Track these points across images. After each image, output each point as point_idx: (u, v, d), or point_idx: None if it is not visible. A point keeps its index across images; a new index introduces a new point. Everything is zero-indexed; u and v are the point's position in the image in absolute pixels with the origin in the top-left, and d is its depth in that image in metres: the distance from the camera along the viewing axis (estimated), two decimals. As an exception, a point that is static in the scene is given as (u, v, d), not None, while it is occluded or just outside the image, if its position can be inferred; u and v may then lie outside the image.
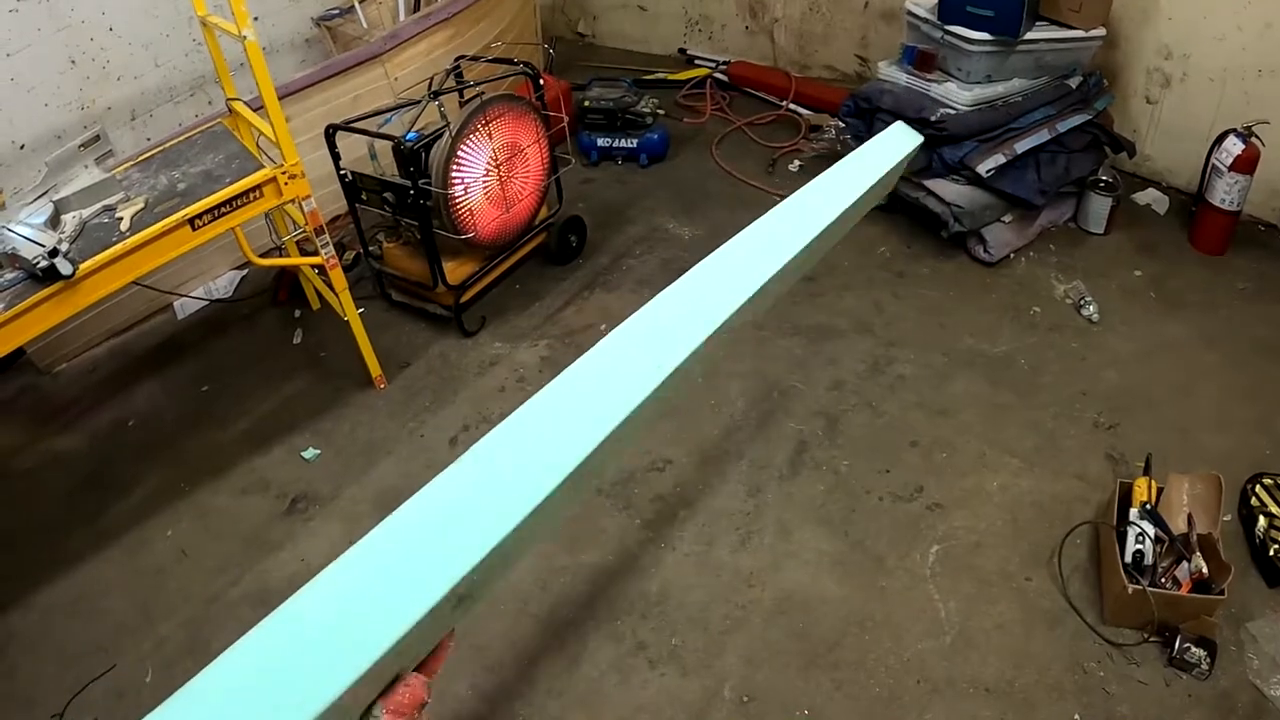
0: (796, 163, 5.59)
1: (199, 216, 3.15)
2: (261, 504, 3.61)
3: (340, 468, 3.74)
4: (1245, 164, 4.35)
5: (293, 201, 3.42)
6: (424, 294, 4.32)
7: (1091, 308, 4.25)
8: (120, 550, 3.48)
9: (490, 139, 3.99)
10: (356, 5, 5.48)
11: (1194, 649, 2.89)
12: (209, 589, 3.30)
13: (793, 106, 6.05)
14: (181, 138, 3.64)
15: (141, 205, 3.18)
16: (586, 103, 5.54)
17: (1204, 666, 2.87)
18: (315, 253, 3.62)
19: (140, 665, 3.07)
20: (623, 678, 2.94)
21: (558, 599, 3.19)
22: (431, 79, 4.15)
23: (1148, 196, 4.99)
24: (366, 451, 3.79)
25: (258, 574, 3.34)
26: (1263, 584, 3.15)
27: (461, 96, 4.22)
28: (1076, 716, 2.80)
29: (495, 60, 4.46)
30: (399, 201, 3.94)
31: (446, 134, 3.84)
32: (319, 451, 3.81)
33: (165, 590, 3.32)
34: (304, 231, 3.62)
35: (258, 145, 3.59)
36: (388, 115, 4.11)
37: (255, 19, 4.90)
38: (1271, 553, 3.16)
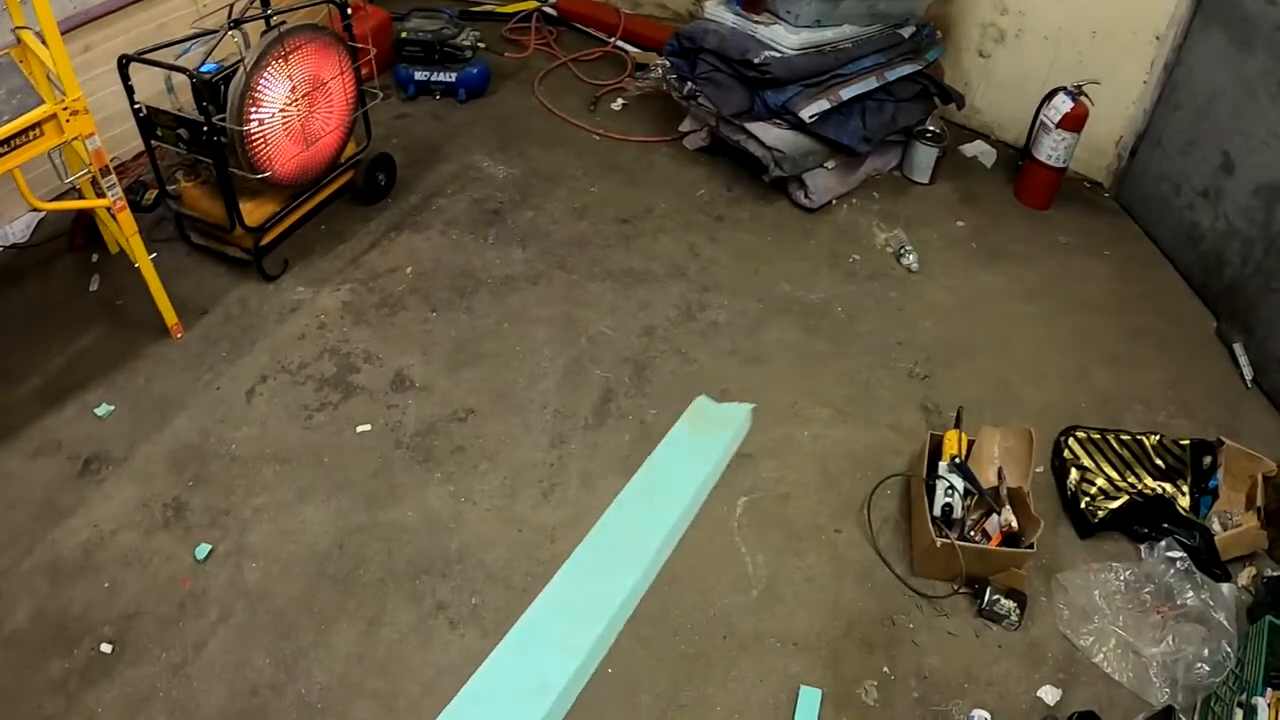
0: (620, 101, 5.70)
1: (-26, 157, 3.04)
2: (53, 466, 3.54)
3: (134, 425, 3.71)
4: (1073, 121, 4.53)
5: (77, 139, 3.32)
6: (223, 236, 4.26)
7: (911, 257, 4.34)
8: (-95, 523, 3.44)
9: (290, 71, 3.79)
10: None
11: (1004, 601, 3.04)
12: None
13: (620, 44, 6.09)
14: (-35, 71, 3.37)
15: (-84, 145, 3.00)
16: (404, 34, 5.41)
17: (1014, 618, 3.02)
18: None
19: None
20: (423, 640, 3.07)
21: (355, 560, 3.28)
22: (231, 6, 3.88)
23: (975, 149, 5.12)
24: (161, 407, 3.77)
25: (49, 543, 3.28)
26: (1074, 535, 3.41)
27: (268, 25, 3.96)
28: (885, 669, 2.98)
29: (304, -14, 4.23)
30: (194, 138, 3.75)
31: (242, 66, 3.58)
32: (113, 408, 3.76)
33: (-44, 566, 3.31)
34: (91, 171, 3.35)
35: (49, 79, 3.32)
36: (187, 45, 3.93)
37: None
38: (1083, 505, 3.31)
